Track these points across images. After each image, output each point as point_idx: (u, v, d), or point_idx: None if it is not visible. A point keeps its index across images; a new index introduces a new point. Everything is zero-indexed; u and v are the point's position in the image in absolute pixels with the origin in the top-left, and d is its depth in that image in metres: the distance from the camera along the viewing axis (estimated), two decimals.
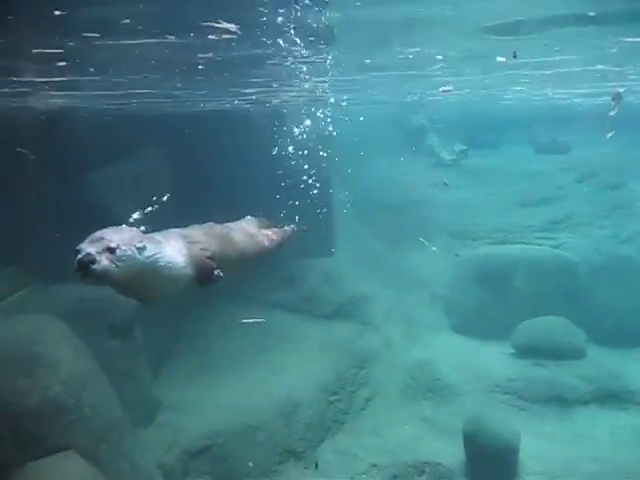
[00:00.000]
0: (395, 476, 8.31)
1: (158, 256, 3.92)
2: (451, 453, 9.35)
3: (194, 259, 4.19)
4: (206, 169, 10.66)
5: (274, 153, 11.67)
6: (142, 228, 3.98)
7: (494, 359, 12.04)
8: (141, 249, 3.77)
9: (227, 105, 12.01)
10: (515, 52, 7.82)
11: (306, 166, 12.24)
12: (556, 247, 13.95)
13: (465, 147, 18.25)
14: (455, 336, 12.93)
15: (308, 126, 12.87)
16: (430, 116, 18.16)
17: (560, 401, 11.13)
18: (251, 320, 10.65)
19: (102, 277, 3.51)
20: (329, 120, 13.56)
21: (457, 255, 13.88)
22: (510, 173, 17.18)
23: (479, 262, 13.72)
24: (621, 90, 11.34)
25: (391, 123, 17.78)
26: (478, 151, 18.58)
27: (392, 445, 9.95)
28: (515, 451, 9.16)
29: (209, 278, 4.28)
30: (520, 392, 11.26)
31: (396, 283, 13.28)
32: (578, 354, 12.04)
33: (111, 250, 3.55)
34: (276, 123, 12.11)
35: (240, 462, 8.88)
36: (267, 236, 5.16)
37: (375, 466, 9.42)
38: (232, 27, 5.38)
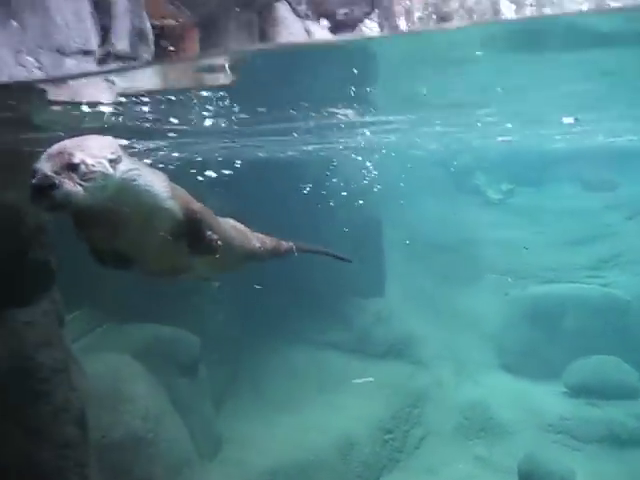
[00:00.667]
0: None
1: (137, 173, 3.11)
2: None
3: (181, 200, 3.35)
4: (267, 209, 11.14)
5: (327, 196, 12.15)
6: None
7: (546, 398, 12.06)
8: (114, 161, 2.95)
9: (281, 154, 12.48)
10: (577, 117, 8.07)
11: (357, 207, 12.67)
12: (605, 285, 13.97)
13: (511, 186, 18.41)
14: (506, 375, 12.97)
15: (359, 169, 13.36)
16: (476, 155, 18.32)
17: (614, 441, 11.10)
18: (361, 380, 11.05)
19: (64, 204, 2.75)
20: (379, 163, 14.03)
21: (506, 294, 14.01)
22: (557, 211, 17.20)
23: (529, 301, 13.83)
24: None
25: (437, 163, 18.01)
26: (524, 188, 18.67)
27: None
28: None
29: (200, 233, 3.43)
30: (573, 431, 11.28)
31: (447, 322, 13.42)
32: (631, 393, 11.97)
33: (74, 167, 2.77)
34: (330, 167, 12.59)
35: None
36: (258, 238, 4.47)
37: None
38: None
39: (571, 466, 9.45)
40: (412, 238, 14.66)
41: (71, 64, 5.44)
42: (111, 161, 2.92)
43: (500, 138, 13.20)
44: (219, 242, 3.50)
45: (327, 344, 12.34)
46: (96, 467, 5.51)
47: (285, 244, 4.94)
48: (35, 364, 4.66)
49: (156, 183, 3.21)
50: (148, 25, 7.83)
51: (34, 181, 2.67)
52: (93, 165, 2.83)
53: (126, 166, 3.00)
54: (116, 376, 6.87)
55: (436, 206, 16.00)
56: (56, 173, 2.72)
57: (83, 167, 2.79)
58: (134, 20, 7.04)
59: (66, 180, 2.73)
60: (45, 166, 2.72)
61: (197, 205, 3.44)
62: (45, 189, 2.68)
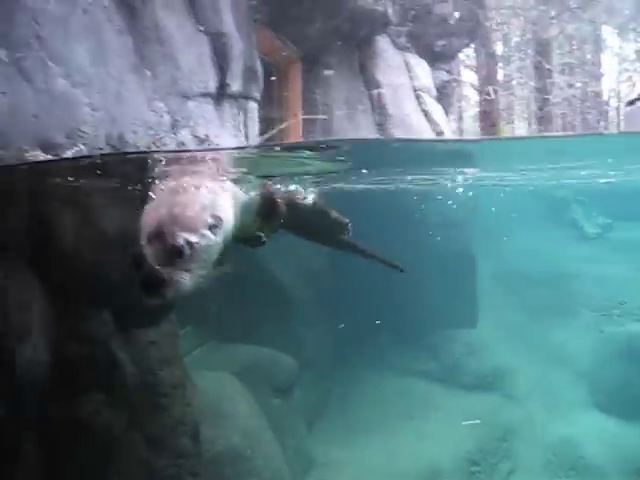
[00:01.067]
0: None
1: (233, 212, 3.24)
2: None
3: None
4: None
5: (423, 227, 12.36)
6: None
7: (639, 440, 11.77)
8: (215, 226, 2.96)
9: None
10: None
11: (452, 239, 12.81)
12: None
13: (609, 220, 18.05)
14: (599, 414, 12.69)
15: (454, 201, 13.50)
16: (573, 188, 18.11)
17: None
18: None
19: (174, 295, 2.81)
20: (473, 194, 14.12)
21: (601, 331, 13.75)
22: None
23: (624, 339, 13.51)
24: None
25: (533, 194, 17.87)
26: (623, 223, 18.26)
27: None
28: None
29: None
30: None
31: (539, 357, 13.29)
32: None
33: (178, 253, 2.75)
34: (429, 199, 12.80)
35: None
36: None
37: None
38: None
39: None
40: (506, 271, 14.66)
41: (192, 106, 5.96)
42: (212, 227, 2.89)
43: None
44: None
45: (417, 373, 12.52)
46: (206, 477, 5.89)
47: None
48: (158, 380, 5.13)
49: (240, 195, 3.49)
50: (258, 63, 8.38)
51: (143, 279, 2.66)
52: (197, 243, 2.79)
53: (228, 219, 3.02)
54: (219, 393, 7.31)
55: (531, 239, 15.88)
56: (161, 264, 2.67)
57: (187, 250, 2.74)
58: (247, 60, 7.57)
59: (174, 272, 2.70)
60: (150, 256, 2.68)
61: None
62: (155, 286, 2.69)
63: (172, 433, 5.13)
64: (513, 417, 12.12)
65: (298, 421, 9.79)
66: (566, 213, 18.27)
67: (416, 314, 12.22)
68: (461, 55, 19.56)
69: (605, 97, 32.70)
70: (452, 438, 10.89)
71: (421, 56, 13.90)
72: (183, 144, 5.70)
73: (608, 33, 32.60)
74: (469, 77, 28.39)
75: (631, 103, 26.73)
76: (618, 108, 30.59)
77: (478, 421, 11.22)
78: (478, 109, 27.05)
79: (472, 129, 27.69)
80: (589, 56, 30.52)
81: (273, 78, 11.19)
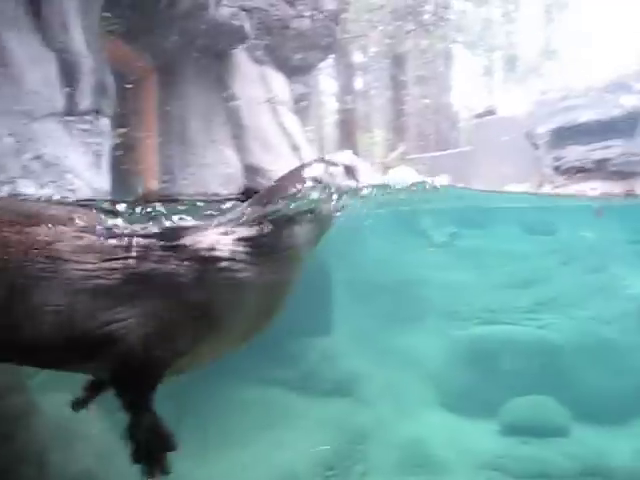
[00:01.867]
0: None
1: None
2: None
3: None
4: None
5: None
6: None
7: (482, 436, 12.59)
8: None
9: None
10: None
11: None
12: (541, 328, 14.68)
13: (455, 229, 19.13)
14: (445, 414, 13.47)
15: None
16: (420, 198, 18.89)
17: (545, 478, 11.67)
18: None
19: None
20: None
21: (447, 335, 14.60)
22: (499, 254, 17.94)
23: (468, 342, 14.44)
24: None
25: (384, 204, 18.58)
26: (468, 231, 19.38)
27: None
28: None
29: None
30: (507, 469, 11.77)
31: (390, 362, 13.87)
32: (562, 432, 12.60)
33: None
34: None
35: None
36: None
37: None
38: None
39: None
40: (358, 279, 15.17)
41: (38, 127, 5.82)
42: None
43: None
44: None
45: (274, 382, 12.72)
46: None
47: None
48: (2, 408, 4.95)
49: None
50: (110, 78, 8.26)
51: None
52: None
53: None
54: (70, 416, 7.09)
55: (382, 248, 16.50)
56: None
57: None
58: (97, 76, 7.47)
59: None
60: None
61: None
62: None
63: (16, 463, 4.98)
64: (366, 421, 12.59)
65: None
66: (416, 222, 19.10)
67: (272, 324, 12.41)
68: (322, 64, 20.07)
69: (456, 109, 34.54)
70: (307, 444, 11.19)
71: (278, 69, 14.18)
72: (26, 167, 5.54)
73: (459, 49, 34.57)
74: (329, 86, 29.03)
75: (480, 116, 28.42)
76: (469, 120, 32.41)
77: (332, 427, 11.64)
78: (337, 117, 27.74)
79: (331, 137, 28.35)
80: (441, 69, 32.15)
81: (128, 86, 11.06)
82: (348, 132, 25.44)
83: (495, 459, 11.97)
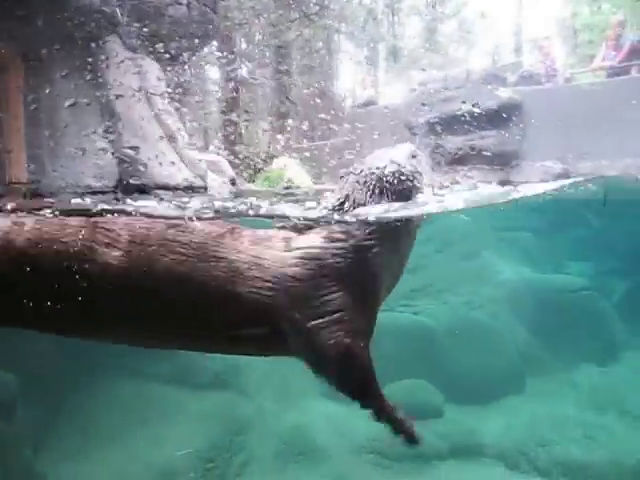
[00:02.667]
0: None
1: None
2: None
3: None
4: None
5: None
6: None
7: (359, 421, 12.69)
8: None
9: None
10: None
11: None
12: (416, 313, 15.22)
13: None
14: (325, 401, 13.68)
15: None
16: None
17: (419, 458, 12.18)
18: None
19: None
20: None
21: None
22: None
23: None
24: None
25: None
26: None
27: None
28: None
29: None
30: (383, 451, 12.22)
31: None
32: (436, 413, 13.16)
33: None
34: None
35: None
36: None
37: None
38: None
39: None
40: None
41: None
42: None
43: None
44: None
45: (152, 376, 12.53)
46: None
47: None
48: None
49: None
50: None
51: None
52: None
53: None
54: None
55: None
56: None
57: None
58: None
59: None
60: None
61: None
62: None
63: None
64: (247, 412, 12.69)
65: (23, 442, 9.33)
66: None
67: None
68: (206, 51, 19.75)
69: (340, 99, 35.03)
70: (186, 439, 11.14)
71: (154, 57, 13.82)
72: None
73: (342, 39, 35.00)
74: (213, 74, 28.70)
75: (362, 106, 28.95)
76: (353, 107, 32.93)
77: (212, 419, 11.63)
78: (221, 106, 27.50)
79: (215, 126, 28.07)
80: (326, 59, 32.45)
81: None
82: (232, 121, 25.25)
83: (372, 442, 12.34)
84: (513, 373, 14.58)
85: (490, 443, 12.69)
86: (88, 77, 12.36)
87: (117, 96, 12.18)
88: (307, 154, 21.26)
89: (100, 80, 12.39)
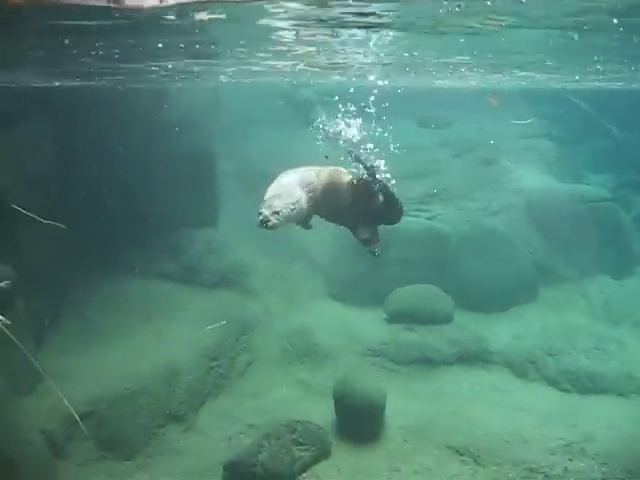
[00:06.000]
0: (268, 435, 8.86)
1: (297, 208, 5.72)
2: (323, 413, 10.07)
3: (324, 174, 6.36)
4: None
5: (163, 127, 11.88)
6: None
7: (368, 325, 12.81)
8: (292, 209, 5.60)
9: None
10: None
11: (191, 139, 12.47)
12: (430, 219, 14.77)
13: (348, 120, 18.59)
14: (333, 303, 13.60)
15: (194, 99, 13.05)
16: (317, 89, 18.18)
17: (426, 362, 12.09)
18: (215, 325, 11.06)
19: (273, 227, 5.39)
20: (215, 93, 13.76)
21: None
22: (390, 145, 17.66)
23: None
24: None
25: (276, 94, 17.70)
26: (361, 121, 18.90)
27: (269, 407, 10.62)
28: (381, 409, 9.96)
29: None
30: (391, 355, 12.13)
31: (278, 253, 13.67)
32: (446, 319, 12.97)
33: (276, 212, 5.41)
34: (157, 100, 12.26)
35: (123, 426, 9.26)
36: None
37: (252, 426, 10.09)
38: None
39: (384, 387, 10.15)
40: (247, 170, 14.65)
41: None
42: (291, 209, 5.61)
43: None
44: None
45: (157, 274, 12.42)
46: None
47: None
48: None
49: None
50: None
51: (260, 218, 5.40)
52: (282, 211, 5.50)
53: (295, 208, 5.69)
54: None
55: (274, 139, 15.95)
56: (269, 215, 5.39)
57: (280, 213, 5.46)
58: None
59: (272, 218, 5.39)
60: (264, 210, 5.41)
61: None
62: (265, 222, 5.38)
63: None
64: (252, 312, 12.60)
65: (23, 334, 9.15)
66: (310, 114, 18.33)
67: (154, 215, 11.94)
68: None
69: None
70: (191, 336, 11.02)
71: None
72: None
73: None
74: None
75: None
76: None
77: (223, 322, 11.47)
78: None
79: None
80: None
81: None
82: None
83: (379, 346, 12.25)
84: (525, 282, 14.26)
85: (498, 350, 12.55)
86: None
87: None
88: None
89: None
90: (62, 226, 6.45)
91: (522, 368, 12.14)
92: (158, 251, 12.53)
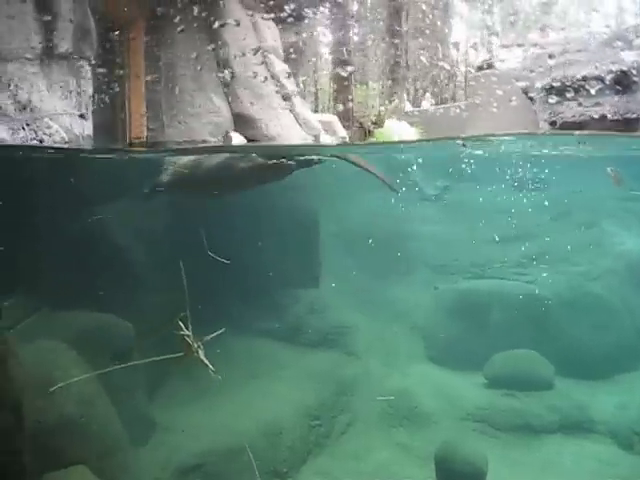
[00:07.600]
0: None
1: None
2: (423, 477, 10.07)
3: None
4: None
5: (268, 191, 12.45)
6: None
7: (468, 389, 12.75)
8: None
9: None
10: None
11: (295, 199, 13.01)
12: (530, 283, 14.70)
13: (447, 183, 18.97)
14: (432, 366, 13.61)
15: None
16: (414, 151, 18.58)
17: (527, 430, 11.88)
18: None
19: None
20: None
21: (436, 288, 14.62)
22: (490, 209, 17.83)
23: (456, 295, 14.50)
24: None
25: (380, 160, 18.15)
26: (460, 184, 19.20)
27: (369, 468, 10.65)
28: (482, 475, 9.88)
29: None
30: (490, 420, 12.00)
31: (378, 314, 13.93)
32: (546, 385, 12.76)
33: None
34: None
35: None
36: None
37: None
38: None
39: (485, 453, 10.08)
40: (348, 231, 15.10)
41: (13, 68, 5.67)
42: None
43: None
44: None
45: (262, 332, 12.79)
46: (31, 453, 5.79)
47: None
48: None
49: None
50: (91, 21, 8.04)
51: None
52: None
53: None
54: (50, 363, 7.15)
55: (372, 200, 16.35)
56: None
57: None
58: (78, 19, 7.26)
59: None
60: None
61: None
62: None
63: None
64: (353, 372, 12.75)
65: (139, 386, 9.72)
66: (406, 175, 18.80)
67: (260, 274, 12.42)
68: (318, 13, 19.60)
69: (454, 63, 33.96)
70: (294, 395, 11.30)
71: (270, 17, 13.84)
72: (1, 108, 5.42)
73: (457, 1, 33.84)
74: (325, 37, 28.47)
75: (478, 70, 27.93)
76: (466, 73, 31.87)
77: (319, 378, 11.72)
78: (332, 68, 27.25)
79: (326, 88, 27.93)
80: (439, 22, 31.49)
81: (115, 32, 10.82)
82: (343, 84, 25.05)
83: (479, 411, 12.16)
84: (629, 349, 13.86)
85: (602, 420, 12.17)
86: (206, 36, 12.55)
87: (235, 55, 12.31)
88: (418, 118, 20.71)
89: (218, 39, 12.54)
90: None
91: (627, 440, 11.71)
92: (263, 310, 12.97)
